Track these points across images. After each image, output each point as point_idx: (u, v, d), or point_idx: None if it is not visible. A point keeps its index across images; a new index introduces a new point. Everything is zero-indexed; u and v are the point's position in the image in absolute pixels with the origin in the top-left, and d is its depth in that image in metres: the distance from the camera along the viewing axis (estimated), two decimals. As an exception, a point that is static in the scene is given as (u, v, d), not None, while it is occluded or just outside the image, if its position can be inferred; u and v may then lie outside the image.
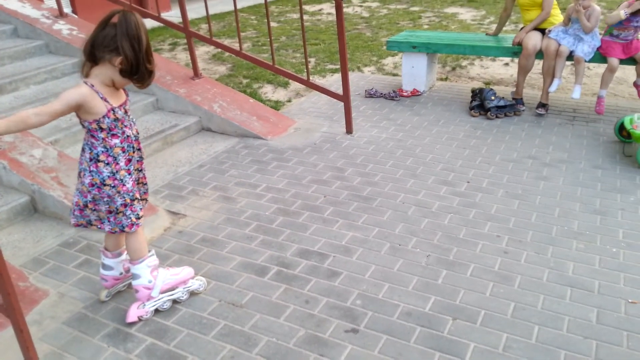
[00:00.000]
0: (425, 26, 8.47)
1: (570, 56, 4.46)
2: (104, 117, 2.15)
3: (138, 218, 2.34)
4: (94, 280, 2.71)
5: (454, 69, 6.19)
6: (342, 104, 4.38)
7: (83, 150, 2.25)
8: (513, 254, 2.78)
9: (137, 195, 2.34)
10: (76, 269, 2.81)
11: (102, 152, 2.19)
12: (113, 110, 2.17)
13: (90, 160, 2.20)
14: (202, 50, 7.34)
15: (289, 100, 5.32)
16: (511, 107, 4.65)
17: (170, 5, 10.75)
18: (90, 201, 2.27)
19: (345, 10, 10.26)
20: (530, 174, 3.61)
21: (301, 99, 5.30)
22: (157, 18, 4.90)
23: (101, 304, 2.55)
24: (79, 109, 2.13)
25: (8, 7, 5.42)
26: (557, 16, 4.72)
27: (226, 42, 7.73)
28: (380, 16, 9.49)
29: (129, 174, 2.28)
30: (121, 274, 2.55)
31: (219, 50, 7.27)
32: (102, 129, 2.16)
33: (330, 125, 4.57)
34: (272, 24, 9.08)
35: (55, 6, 5.55)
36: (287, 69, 6.14)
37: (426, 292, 2.52)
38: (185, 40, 6.72)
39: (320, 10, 10.34)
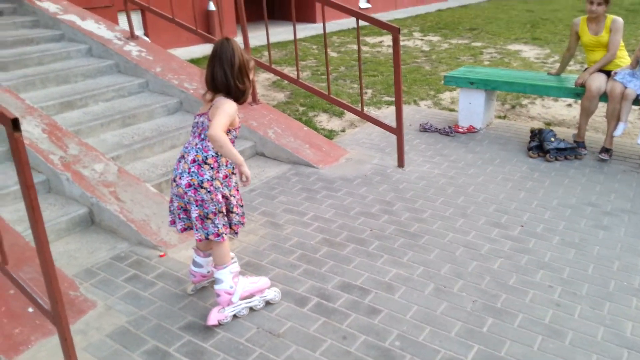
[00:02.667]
0: (486, 62, 8.37)
1: (637, 100, 4.28)
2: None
3: (223, 232, 2.50)
4: (140, 296, 2.77)
5: (513, 107, 6.06)
6: (395, 136, 4.36)
7: (184, 155, 2.44)
8: (566, 307, 2.65)
9: (223, 210, 2.49)
10: (124, 283, 2.88)
11: (212, 156, 2.42)
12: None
13: (194, 162, 2.40)
14: (263, 77, 7.52)
15: (343, 130, 5.35)
16: (572, 150, 4.48)
17: (236, 31, 11.14)
18: (187, 203, 2.45)
19: (405, 43, 10.30)
20: (589, 222, 3.45)
21: (355, 130, 5.32)
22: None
23: (144, 319, 2.60)
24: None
25: (85, 27, 5.76)
26: (624, 58, 4.55)
27: (286, 70, 7.92)
28: (440, 50, 9.46)
29: (222, 187, 2.46)
30: (208, 272, 2.75)
31: (279, 77, 7.43)
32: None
33: (382, 158, 4.55)
34: (332, 54, 9.22)
35: (127, 28, 5.84)
36: (343, 99, 6.21)
37: (469, 340, 2.43)
38: (247, 66, 6.92)
39: (380, 42, 10.42)
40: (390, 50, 9.55)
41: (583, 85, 4.53)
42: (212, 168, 2.43)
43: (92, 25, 5.89)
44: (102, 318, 2.61)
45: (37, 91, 4.79)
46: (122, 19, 8.81)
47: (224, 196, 2.50)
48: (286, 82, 7.17)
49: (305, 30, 11.53)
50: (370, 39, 10.75)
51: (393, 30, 4.10)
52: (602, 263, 3.00)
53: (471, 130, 5.17)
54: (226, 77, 2.35)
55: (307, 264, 3.04)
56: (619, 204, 3.69)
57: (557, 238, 3.27)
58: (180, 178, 2.44)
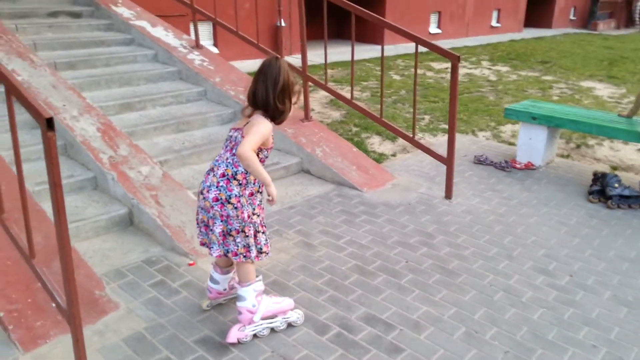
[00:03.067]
0: (555, 97, 8.01)
1: None
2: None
3: (243, 254, 2.44)
4: (162, 303, 2.76)
5: (578, 146, 5.73)
6: (445, 166, 4.19)
7: (213, 168, 2.42)
8: (609, 371, 2.40)
9: (246, 230, 2.43)
10: (150, 288, 2.88)
11: (242, 172, 2.38)
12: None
13: (223, 176, 2.38)
14: (322, 94, 7.51)
15: (394, 155, 5.22)
16: (637, 199, 4.16)
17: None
18: (211, 218, 2.41)
19: (472, 71, 10.06)
20: (648, 279, 3.16)
21: (406, 155, 5.18)
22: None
23: (161, 327, 2.57)
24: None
25: (154, 34, 5.97)
26: None
27: (346, 89, 7.88)
28: (508, 81, 9.16)
29: (247, 205, 2.42)
30: (225, 289, 2.71)
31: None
32: (258, 156, 2.35)
33: (429, 187, 4.39)
34: (395, 77, 9.12)
35: (194, 38, 5.99)
36: (398, 123, 6.09)
37: (495, 394, 2.24)
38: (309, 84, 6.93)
39: (446, 68, 10.22)
40: (455, 78, 9.33)
41: (656, 131, 4.21)
42: (240, 184, 2.39)
43: (161, 32, 6.09)
44: (121, 321, 2.60)
45: (100, 91, 4.98)
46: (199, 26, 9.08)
47: (249, 215, 2.43)
48: (341, 102, 7.13)
49: (372, 51, 11.49)
50: (436, 65, 10.57)
51: (452, 57, 3.97)
52: (657, 327, 2.72)
53: (529, 167, 4.91)
54: (267, 95, 2.33)
55: (335, 290, 2.93)
56: (685, 263, 3.36)
57: (609, 293, 3.00)
58: (208, 191, 2.41)
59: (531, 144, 4.95)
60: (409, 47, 12.40)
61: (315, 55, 10.60)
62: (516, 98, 7.82)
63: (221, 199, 2.38)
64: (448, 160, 4.15)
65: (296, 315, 2.65)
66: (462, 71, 10.01)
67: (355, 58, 10.63)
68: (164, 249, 3.28)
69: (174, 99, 5.10)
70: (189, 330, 2.56)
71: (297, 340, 2.52)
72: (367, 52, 11.47)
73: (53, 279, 2.71)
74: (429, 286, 3.00)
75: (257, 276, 2.56)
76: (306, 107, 5.01)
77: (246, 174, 2.39)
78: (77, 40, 5.64)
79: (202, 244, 2.57)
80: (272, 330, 2.58)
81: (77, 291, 2.07)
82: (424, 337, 2.58)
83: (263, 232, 2.53)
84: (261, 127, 2.31)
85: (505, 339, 2.59)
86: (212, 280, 2.69)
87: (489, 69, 10.43)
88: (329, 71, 9.27)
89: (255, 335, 2.53)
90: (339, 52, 10.48)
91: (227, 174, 2.39)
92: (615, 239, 3.63)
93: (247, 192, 2.42)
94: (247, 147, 2.22)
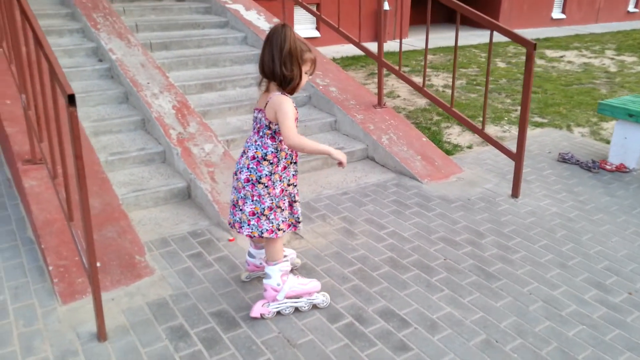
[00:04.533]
0: (684, 93, 7.06)
1: None
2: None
3: (279, 228, 2.52)
4: (194, 274, 2.91)
5: (693, 150, 5.02)
6: (514, 162, 3.91)
7: (245, 151, 2.51)
8: (638, 404, 2.13)
9: (281, 205, 2.51)
10: (187, 258, 3.06)
11: (272, 152, 2.44)
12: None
13: (253, 158, 2.45)
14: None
15: (469, 147, 4.97)
16: None
17: (408, 33, 11.02)
18: (241, 198, 2.50)
19: (590, 60, 9.19)
20: None
21: (484, 148, 4.91)
22: (356, 44, 5.03)
23: (185, 296, 2.73)
24: None
25: (246, 17, 6.19)
26: None
27: (441, 76, 7.61)
28: (629, 73, 8.24)
29: (281, 180, 2.49)
30: (261, 264, 2.80)
31: (429, 83, 7.18)
32: None
33: (497, 183, 4.13)
34: (500, 64, 8.61)
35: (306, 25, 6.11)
36: (488, 114, 5.77)
37: (493, 408, 2.10)
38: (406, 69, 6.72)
39: (561, 57, 9.45)
40: (568, 67, 8.60)
41: None
42: (271, 164, 2.45)
43: (253, 15, 6.29)
44: (152, 286, 2.80)
45: (187, 71, 5.29)
46: (297, 11, 9.27)
47: (282, 190, 2.50)
48: (433, 89, 6.90)
49: (482, 37, 10.92)
50: (551, 52, 9.80)
51: (528, 45, 3.68)
52: None
53: (621, 170, 4.42)
54: (273, 62, 2.32)
55: (361, 279, 2.90)
56: None
57: (670, 318, 2.64)
58: (240, 172, 2.49)
59: (626, 144, 4.44)
60: (527, 32, 11.65)
61: (419, 40, 10.34)
62: (634, 92, 7.03)
63: (252, 180, 2.45)
64: (517, 156, 3.86)
65: (321, 298, 2.68)
66: (578, 60, 9.19)
67: (463, 43, 10.27)
68: (211, 223, 3.45)
69: (254, 81, 5.26)
70: (209, 302, 2.69)
71: (306, 325, 2.54)
72: (476, 37, 10.94)
73: (104, 242, 2.99)
74: (460, 287, 2.85)
75: (284, 256, 2.62)
76: (380, 93, 4.92)
77: (276, 152, 2.45)
78: (175, 22, 6.03)
79: (230, 224, 2.62)
80: (297, 309, 2.63)
81: (95, 255, 2.26)
82: (437, 338, 2.47)
83: (298, 201, 2.61)
84: (284, 107, 2.33)
85: (527, 352, 2.40)
86: (249, 254, 2.82)
87: (612, 58, 9.45)
88: (430, 57, 9.00)
89: (279, 312, 2.60)
90: (447, 37, 10.12)
91: (257, 156, 2.45)
92: (702, 258, 3.17)
93: (279, 168, 2.48)
94: (292, 135, 2.31)
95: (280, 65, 2.31)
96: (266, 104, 2.41)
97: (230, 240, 3.25)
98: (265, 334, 2.48)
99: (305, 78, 2.44)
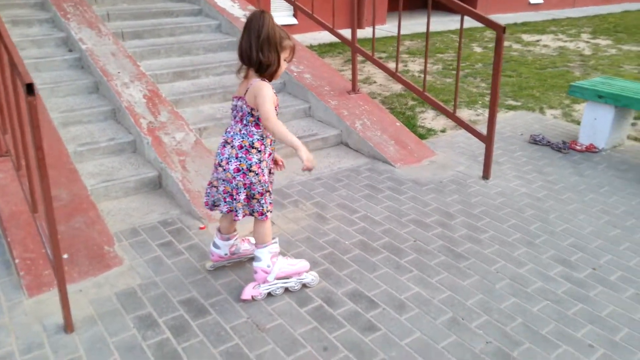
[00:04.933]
0: (655, 74, 7.17)
1: None
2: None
3: (268, 210, 2.55)
4: (163, 262, 2.91)
5: (661, 129, 5.12)
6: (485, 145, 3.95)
7: (228, 141, 2.49)
8: (598, 375, 2.19)
9: (270, 189, 2.55)
10: (157, 247, 3.05)
11: (258, 139, 2.45)
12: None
13: (241, 148, 2.45)
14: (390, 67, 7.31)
15: (443, 131, 5.00)
16: None
17: (386, 19, 10.99)
18: (234, 188, 2.50)
19: (566, 44, 9.27)
20: (687, 281, 2.80)
21: (457, 132, 4.94)
22: (330, 30, 5.02)
23: (154, 285, 2.72)
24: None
25: (220, 4, 6.13)
26: None
27: (418, 61, 7.62)
28: (603, 56, 8.33)
29: (266, 166, 2.52)
30: (226, 254, 2.81)
31: (405, 69, 7.19)
32: None
33: (469, 166, 4.17)
34: (477, 49, 8.65)
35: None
36: (461, 98, 5.81)
37: (457, 384, 2.13)
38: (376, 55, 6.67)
39: (537, 41, 9.50)
40: (544, 51, 8.67)
41: None
42: (259, 151, 2.47)
43: (227, 2, 6.23)
44: (120, 276, 2.79)
45: (159, 59, 5.24)
46: (273, -1, 9.19)
47: (268, 175, 2.56)
48: (409, 74, 6.92)
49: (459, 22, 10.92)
50: (527, 37, 9.86)
51: (497, 28, 3.70)
52: (676, 334, 2.42)
53: (591, 150, 4.49)
54: (250, 48, 2.33)
55: (331, 263, 2.92)
56: None
57: (632, 291, 2.70)
58: (227, 163, 2.47)
59: (595, 125, 4.50)
60: (506, 18, 11.70)
61: (396, 27, 10.34)
62: (606, 75, 7.11)
63: (242, 169, 2.45)
64: (488, 139, 3.90)
65: (311, 277, 2.72)
66: (554, 44, 9.26)
67: (441, 29, 10.28)
68: (182, 212, 3.44)
69: (227, 69, 5.23)
70: (178, 290, 2.69)
71: (275, 310, 2.56)
72: (454, 22, 10.92)
73: (71, 233, 2.97)
74: (429, 267, 2.88)
75: (273, 238, 2.65)
76: (354, 79, 4.93)
77: (262, 139, 2.46)
78: (147, 10, 5.96)
79: (229, 211, 2.57)
80: (287, 290, 2.67)
81: (59, 248, 2.24)
82: (404, 318, 2.50)
83: (270, 194, 2.63)
84: (264, 92, 2.34)
85: (492, 328, 2.44)
86: (214, 244, 2.81)
87: (587, 42, 9.53)
88: (407, 42, 9.00)
89: (269, 294, 2.63)
90: (424, 23, 10.08)
91: (245, 145, 2.45)
92: (665, 234, 3.24)
93: (266, 155, 2.51)
94: (271, 117, 2.32)
95: (257, 51, 2.32)
96: (246, 90, 2.40)
97: (201, 228, 3.25)
98: (234, 319, 2.49)
99: (284, 65, 2.46)
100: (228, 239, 2.78)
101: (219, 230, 2.78)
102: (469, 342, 2.35)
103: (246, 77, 2.45)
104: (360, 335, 2.39)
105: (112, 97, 4.29)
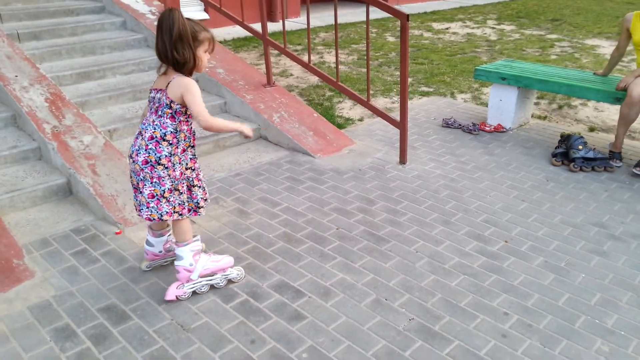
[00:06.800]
0: (553, 57, 7.66)
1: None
2: None
3: (176, 211, 2.46)
4: (78, 272, 2.77)
5: (560, 107, 5.49)
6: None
7: (141, 132, 2.40)
8: (512, 339, 2.31)
9: (180, 188, 2.45)
10: (70, 257, 2.89)
11: (171, 132, 2.37)
12: None
13: (151, 139, 2.36)
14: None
15: (361, 119, 5.09)
16: (602, 161, 3.96)
17: (299, 11, 11.02)
18: (140, 180, 2.40)
19: (473, 31, 9.70)
20: (587, 245, 3.02)
21: (373, 120, 5.04)
22: (240, 23, 4.96)
23: (70, 296, 2.59)
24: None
25: (123, 1, 5.88)
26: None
27: (333, 52, 7.70)
28: (508, 41, 8.80)
29: (180, 163, 2.43)
30: (160, 252, 2.75)
31: (321, 60, 7.25)
32: (185, 114, 2.40)
33: (386, 152, 4.27)
34: (390, 39, 8.86)
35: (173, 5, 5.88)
36: (376, 87, 5.93)
37: (384, 362, 2.19)
38: (298, 47, 6.69)
39: (447, 28, 9.88)
40: (453, 38, 9.02)
41: (625, 90, 3.97)
42: (170, 144, 2.39)
43: (132, -1, 5.99)
44: (32, 290, 2.62)
45: (61, 61, 4.96)
46: (182, -6, 8.95)
47: (181, 172, 2.45)
48: (325, 65, 6.98)
49: (373, 13, 11.16)
50: (437, 25, 10.22)
51: (401, 16, 3.78)
52: (580, 294, 2.60)
53: (499, 130, 4.73)
54: (165, 47, 2.30)
55: (255, 257, 2.89)
56: (634, 228, 3.20)
57: (540, 260, 2.88)
58: (137, 154, 2.40)
59: (501, 105, 4.75)
60: (415, 7, 12.07)
61: (315, 19, 10.39)
62: (511, 58, 7.51)
63: (151, 161, 2.38)
64: (401, 125, 4.01)
65: (236, 272, 2.69)
66: (462, 31, 9.66)
67: (354, 20, 10.42)
68: (95, 218, 3.29)
69: (136, 67, 5.05)
70: (96, 299, 2.57)
71: (200, 308, 2.50)
72: (371, 13, 11.15)
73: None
74: (352, 253, 2.93)
75: (194, 236, 2.57)
76: (268, 72, 4.90)
77: (175, 133, 2.39)
78: (45, 9, 5.61)
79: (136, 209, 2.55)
80: (213, 287, 2.62)
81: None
82: (330, 304, 2.53)
83: (200, 186, 2.57)
84: (191, 88, 2.32)
85: (414, 306, 2.52)
86: (148, 242, 2.74)
87: (493, 28, 10.03)
88: (322, 34, 9.07)
89: (195, 292, 2.57)
90: (340, 14, 10.20)
91: (156, 136, 2.37)
92: (567, 204, 3.47)
93: (179, 150, 2.43)
94: (206, 116, 2.31)
95: (172, 50, 2.28)
96: (168, 83, 2.34)
97: (117, 233, 3.12)
98: (157, 322, 2.41)
99: (205, 57, 2.41)
100: (161, 235, 2.71)
101: (150, 227, 2.70)
102: (393, 321, 2.42)
103: (165, 73, 2.40)
104: (287, 325, 2.39)
105: (10, 102, 4.01)
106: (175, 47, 2.29)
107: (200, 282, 2.59)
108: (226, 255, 2.72)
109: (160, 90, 2.38)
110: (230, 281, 2.67)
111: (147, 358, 2.21)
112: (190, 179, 2.54)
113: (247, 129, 2.52)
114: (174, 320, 2.43)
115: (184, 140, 2.45)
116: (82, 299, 2.57)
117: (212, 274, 2.63)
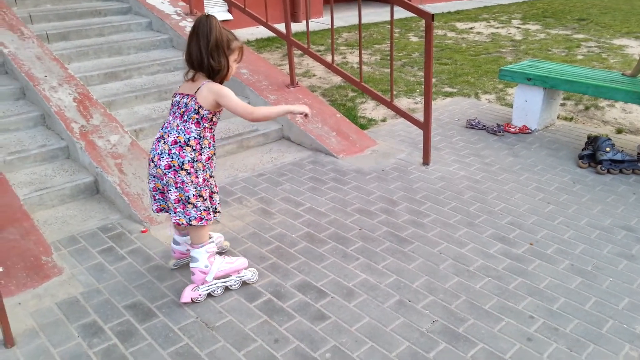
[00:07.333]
0: (580, 57, 7.54)
1: None
2: (220, 111, 2.44)
3: (203, 217, 2.47)
4: (105, 269, 2.82)
5: (587, 108, 5.39)
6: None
7: (163, 136, 2.42)
8: (538, 343, 2.29)
9: (204, 194, 2.46)
10: (98, 254, 2.95)
11: (195, 138, 2.38)
12: None
13: (175, 143, 2.37)
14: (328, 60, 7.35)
15: (384, 120, 5.07)
16: (630, 163, 3.89)
17: (322, 12, 11.03)
18: (165, 185, 2.43)
19: (498, 31, 9.59)
20: (615, 248, 2.96)
21: (397, 120, 5.02)
22: (264, 24, 4.99)
23: (97, 292, 2.63)
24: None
25: (149, 2, 5.96)
26: None
27: (356, 53, 7.69)
28: (533, 41, 8.68)
29: (204, 170, 2.44)
30: (187, 250, 2.75)
31: (344, 60, 7.25)
32: (211, 121, 2.42)
33: (410, 153, 4.25)
34: (413, 39, 8.82)
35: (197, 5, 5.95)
36: (399, 87, 5.91)
37: (407, 364, 2.18)
38: (321, 48, 6.67)
39: (471, 28, 9.79)
40: (477, 38, 8.94)
41: (655, 89, 3.89)
42: (194, 150, 2.40)
43: (157, 0, 6.07)
44: (61, 286, 2.68)
45: (89, 61, 5.05)
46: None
47: (204, 179, 2.46)
48: (348, 65, 6.98)
49: (396, 13, 11.11)
50: (461, 25, 10.13)
51: (426, 16, 3.77)
52: (607, 298, 2.56)
53: (524, 131, 4.67)
54: (200, 54, 2.31)
55: (278, 257, 2.91)
56: (664, 231, 3.13)
57: (567, 263, 2.84)
58: (159, 159, 2.41)
59: (527, 106, 4.69)
60: (439, 7, 11.99)
61: (337, 19, 10.39)
62: (537, 59, 7.41)
63: (174, 166, 2.39)
64: (425, 125, 3.99)
65: (250, 274, 2.70)
66: (487, 31, 9.56)
67: (377, 20, 10.39)
68: (122, 216, 3.34)
69: (161, 67, 5.11)
70: (122, 296, 2.61)
71: (224, 307, 2.53)
72: (395, 13, 11.11)
73: (6, 245, 2.82)
74: (375, 254, 2.93)
75: (209, 238, 2.59)
76: (291, 73, 4.92)
77: (199, 139, 2.40)
78: (73, 10, 5.72)
79: (160, 211, 2.59)
80: (227, 288, 2.63)
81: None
82: (353, 305, 2.53)
83: (217, 192, 2.61)
84: (224, 91, 2.35)
85: (438, 308, 2.51)
86: (174, 241, 2.77)
87: (517, 27, 9.90)
88: (345, 34, 9.07)
89: (210, 294, 2.59)
90: (365, 14, 10.19)
91: (180, 141, 2.39)
92: (594, 206, 3.42)
93: (204, 157, 2.44)
94: (247, 109, 2.39)
95: (208, 57, 2.30)
96: (197, 89, 2.36)
97: (143, 232, 3.17)
98: (182, 320, 2.45)
99: (234, 66, 2.44)
100: (186, 234, 2.73)
101: (175, 227, 2.72)
102: (417, 323, 2.41)
103: (193, 79, 2.40)
104: (311, 324, 2.40)
105: (40, 102, 4.10)
106: (212, 54, 2.30)
107: (215, 283, 2.59)
108: (240, 257, 2.74)
109: (188, 95, 2.39)
110: (244, 283, 2.68)
111: (173, 355, 2.24)
112: (212, 186, 2.56)
113: (298, 107, 2.54)
114: (199, 318, 2.45)
115: (208, 147, 2.46)
116: (108, 295, 2.62)
117: (226, 276, 2.64)
